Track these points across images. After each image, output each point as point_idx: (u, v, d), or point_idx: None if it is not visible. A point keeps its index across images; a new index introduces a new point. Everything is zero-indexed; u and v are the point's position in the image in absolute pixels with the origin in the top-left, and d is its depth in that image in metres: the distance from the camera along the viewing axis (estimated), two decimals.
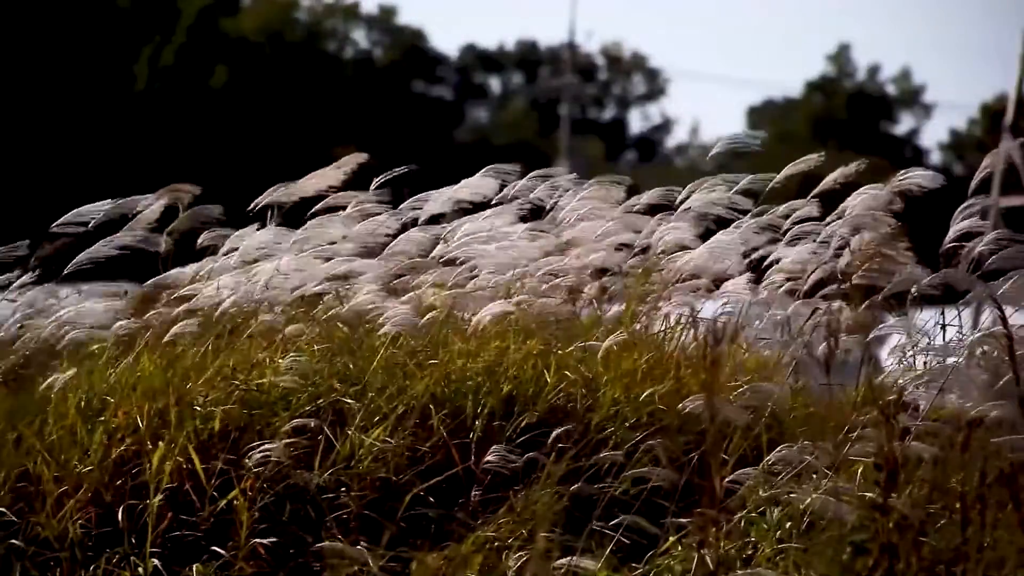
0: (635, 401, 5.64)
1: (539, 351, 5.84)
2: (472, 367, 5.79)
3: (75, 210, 6.32)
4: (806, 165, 6.63)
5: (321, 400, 5.63)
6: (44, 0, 38.05)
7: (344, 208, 6.68)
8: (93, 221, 6.30)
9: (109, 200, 6.36)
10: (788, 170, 6.62)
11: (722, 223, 6.70)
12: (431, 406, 5.60)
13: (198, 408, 5.54)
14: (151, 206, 6.41)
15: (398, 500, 5.32)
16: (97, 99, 37.47)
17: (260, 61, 41.24)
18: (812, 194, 6.59)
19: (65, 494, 5.32)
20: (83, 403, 5.60)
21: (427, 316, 6.04)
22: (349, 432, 5.46)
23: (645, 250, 6.75)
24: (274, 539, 5.23)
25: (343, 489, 5.34)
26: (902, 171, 6.40)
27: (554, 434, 5.44)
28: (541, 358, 5.83)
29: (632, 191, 6.97)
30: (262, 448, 5.33)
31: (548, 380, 5.73)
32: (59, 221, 6.29)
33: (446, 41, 75.60)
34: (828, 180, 6.54)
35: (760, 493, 5.05)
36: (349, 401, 5.60)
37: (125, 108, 37.95)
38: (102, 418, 5.53)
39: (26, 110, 36.00)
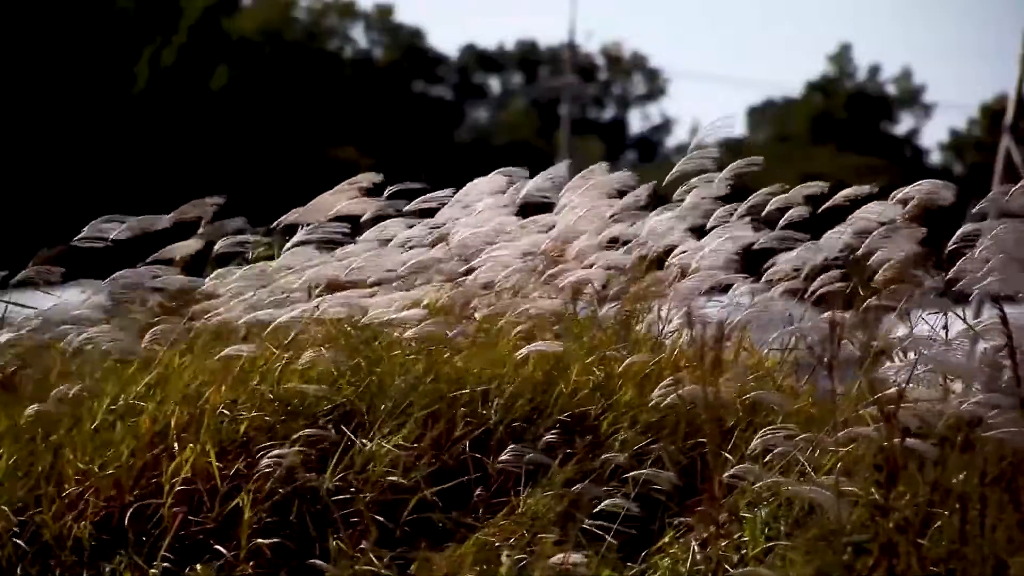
0: (646, 405, 5.64)
1: (551, 356, 5.84)
2: (486, 373, 5.80)
3: (94, 223, 6.33)
4: (817, 189, 6.63)
5: (337, 404, 5.64)
6: (45, 0, 38.06)
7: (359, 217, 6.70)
8: (114, 234, 6.30)
9: (127, 217, 6.34)
10: (799, 191, 6.61)
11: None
12: (450, 412, 5.61)
13: (226, 412, 5.55)
14: (188, 244, 6.42)
15: (408, 503, 5.34)
16: (98, 99, 37.48)
17: (260, 61, 41.25)
18: (823, 207, 6.57)
19: (82, 495, 5.33)
20: (112, 407, 5.61)
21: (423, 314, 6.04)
22: (365, 439, 5.47)
23: (638, 245, 6.73)
24: (279, 539, 5.23)
25: (352, 490, 5.35)
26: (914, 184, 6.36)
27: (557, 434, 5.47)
28: (554, 363, 5.83)
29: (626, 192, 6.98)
30: (275, 452, 5.35)
31: (563, 389, 5.75)
32: (80, 236, 6.30)
33: (446, 41, 75.59)
34: (839, 197, 6.52)
35: (752, 488, 5.06)
36: (368, 407, 5.61)
37: (126, 108, 37.95)
38: (131, 421, 5.54)
39: (26, 110, 36.00)
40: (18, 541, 5.26)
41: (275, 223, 6.64)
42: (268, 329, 5.90)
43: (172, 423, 5.50)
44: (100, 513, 5.33)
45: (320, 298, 6.11)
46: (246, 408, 5.58)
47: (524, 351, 5.77)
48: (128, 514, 5.30)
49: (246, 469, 5.38)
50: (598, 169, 6.99)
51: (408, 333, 5.87)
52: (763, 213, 6.64)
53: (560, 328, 6.13)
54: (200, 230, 6.56)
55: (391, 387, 5.66)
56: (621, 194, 6.91)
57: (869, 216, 6.32)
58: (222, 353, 5.73)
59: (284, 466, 5.31)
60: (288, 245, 6.57)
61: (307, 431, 5.46)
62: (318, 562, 5.10)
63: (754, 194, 6.68)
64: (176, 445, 5.44)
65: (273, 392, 5.66)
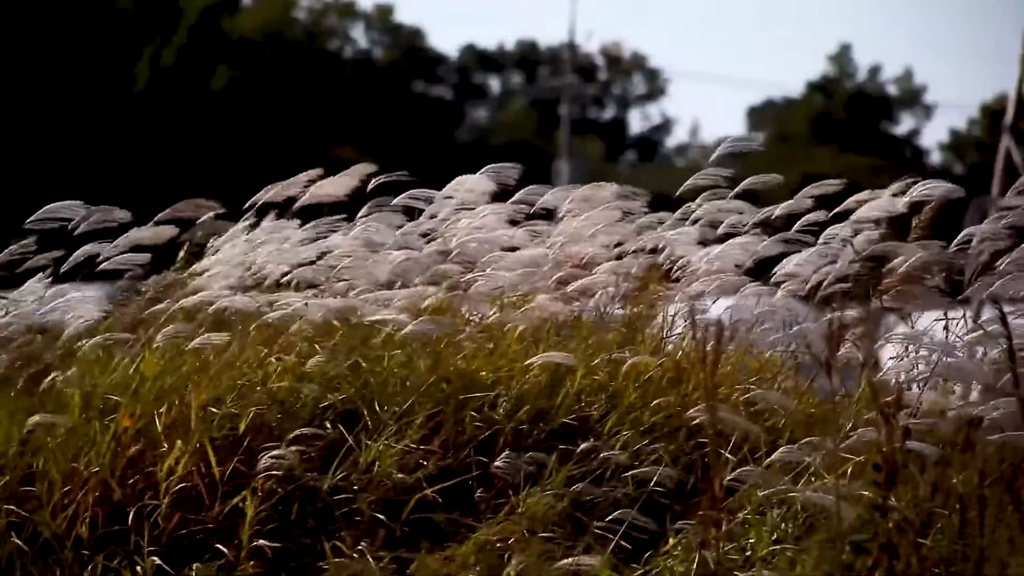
0: (650, 407, 5.65)
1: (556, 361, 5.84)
2: (491, 377, 5.79)
3: (48, 207, 6.25)
4: (824, 190, 6.62)
5: (336, 403, 5.64)
6: (44, 0, 38.06)
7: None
8: (80, 227, 6.26)
9: (80, 203, 6.28)
10: (810, 191, 6.60)
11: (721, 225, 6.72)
12: (457, 414, 5.61)
13: (215, 411, 5.53)
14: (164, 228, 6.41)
15: (409, 503, 5.34)
16: (98, 99, 37.47)
17: (260, 61, 41.24)
18: (833, 213, 6.54)
19: (70, 493, 5.32)
20: (85, 402, 5.59)
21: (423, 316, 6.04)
22: (368, 441, 5.46)
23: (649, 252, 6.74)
24: (279, 540, 5.23)
25: (355, 488, 5.35)
26: (919, 183, 6.35)
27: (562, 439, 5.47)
28: (559, 365, 5.84)
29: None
30: (274, 452, 5.34)
31: (569, 390, 5.75)
32: (32, 218, 6.22)
33: (446, 41, 75.54)
34: (851, 201, 6.50)
35: (758, 493, 5.06)
36: (370, 407, 5.61)
37: (126, 108, 37.94)
38: (110, 417, 5.52)
39: (26, 110, 35.99)
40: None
41: (249, 203, 6.61)
42: (254, 325, 5.91)
43: (158, 420, 5.48)
44: (89, 512, 5.31)
45: (308, 297, 6.11)
46: (235, 406, 5.55)
47: (536, 360, 5.76)
48: (130, 513, 5.30)
49: (246, 469, 5.37)
50: (606, 187, 6.96)
51: (404, 331, 5.85)
52: (773, 216, 6.65)
53: (564, 333, 6.13)
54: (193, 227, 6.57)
55: (393, 388, 5.66)
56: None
57: (875, 214, 6.32)
58: (191, 344, 5.72)
59: (283, 466, 5.31)
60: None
61: (306, 430, 5.46)
62: (325, 564, 5.10)
63: (765, 208, 6.67)
64: (165, 444, 5.42)
65: (267, 391, 5.65)
